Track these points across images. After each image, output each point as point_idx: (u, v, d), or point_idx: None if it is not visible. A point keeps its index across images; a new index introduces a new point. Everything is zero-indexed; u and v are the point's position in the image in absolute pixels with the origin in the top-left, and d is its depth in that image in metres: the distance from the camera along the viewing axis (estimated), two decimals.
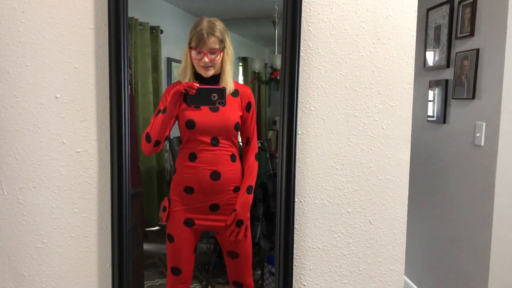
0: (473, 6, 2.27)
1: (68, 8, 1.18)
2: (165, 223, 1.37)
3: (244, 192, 1.34)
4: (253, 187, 1.35)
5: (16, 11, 1.18)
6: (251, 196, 1.34)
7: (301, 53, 1.17)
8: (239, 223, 1.32)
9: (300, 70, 1.17)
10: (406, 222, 1.24)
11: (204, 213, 1.34)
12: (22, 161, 1.23)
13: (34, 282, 1.27)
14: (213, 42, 1.26)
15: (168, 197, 1.36)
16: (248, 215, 1.34)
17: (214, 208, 1.33)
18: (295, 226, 1.21)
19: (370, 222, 1.24)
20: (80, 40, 1.20)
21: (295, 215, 1.20)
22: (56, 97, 1.21)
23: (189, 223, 1.35)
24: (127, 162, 1.19)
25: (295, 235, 1.21)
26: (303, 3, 1.16)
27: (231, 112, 1.31)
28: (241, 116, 1.34)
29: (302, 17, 1.15)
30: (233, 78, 1.33)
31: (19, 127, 1.22)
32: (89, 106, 1.22)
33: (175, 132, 1.35)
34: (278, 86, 1.76)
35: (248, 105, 1.34)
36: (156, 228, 1.59)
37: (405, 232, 1.24)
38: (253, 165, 1.36)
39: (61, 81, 1.21)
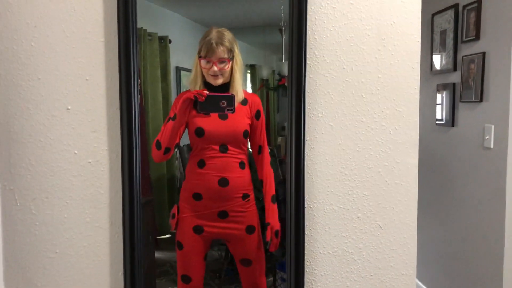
0: (478, 10, 2.27)
1: (79, 22, 1.21)
2: (174, 230, 1.39)
3: (269, 203, 1.36)
4: (275, 195, 1.37)
5: (28, 26, 1.21)
6: (276, 204, 1.36)
7: (307, 61, 1.19)
8: (277, 233, 1.35)
9: (306, 77, 1.19)
10: (416, 226, 1.24)
11: (213, 220, 1.35)
12: (34, 172, 1.25)
13: None
14: (222, 52, 1.28)
15: (178, 204, 1.38)
16: (279, 223, 1.36)
17: (223, 215, 1.34)
18: (306, 232, 1.22)
19: (380, 227, 1.24)
20: (91, 52, 1.22)
21: (305, 221, 1.20)
22: (68, 109, 1.24)
23: (198, 229, 1.35)
24: (137, 171, 1.21)
25: (305, 240, 1.22)
26: (309, 12, 1.17)
27: (240, 120, 1.32)
28: (251, 125, 1.35)
29: (307, 26, 1.16)
30: (242, 86, 1.35)
31: (32, 138, 1.24)
32: (100, 117, 1.24)
33: (185, 139, 1.37)
34: (286, 93, 1.78)
35: (257, 114, 1.36)
36: (168, 236, 1.60)
37: (416, 236, 1.24)
38: (270, 173, 1.38)
39: (73, 93, 1.23)
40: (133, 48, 1.19)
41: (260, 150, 1.38)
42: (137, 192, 1.21)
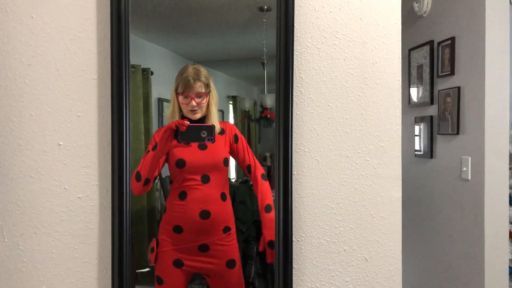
0: (452, 47, 2.40)
1: (73, 61, 1.24)
2: (153, 264, 1.38)
3: (263, 213, 1.36)
4: (271, 205, 1.35)
5: (23, 65, 1.24)
6: (273, 213, 1.33)
7: (294, 99, 1.24)
8: (271, 244, 1.32)
9: (293, 114, 1.24)
10: (401, 259, 1.27)
11: (194, 254, 1.35)
12: (24, 208, 1.25)
13: None
14: (199, 87, 1.34)
15: (157, 238, 1.38)
16: (274, 232, 1.32)
17: (204, 249, 1.34)
18: (294, 265, 1.24)
19: (366, 260, 1.27)
20: (83, 90, 1.25)
21: (293, 255, 1.23)
22: (59, 145, 1.25)
23: (178, 263, 1.35)
24: (128, 207, 1.22)
25: (293, 274, 1.24)
26: (295, 53, 1.23)
27: (219, 149, 1.36)
28: (232, 150, 1.38)
29: (294, 66, 1.22)
30: (218, 119, 1.40)
31: (22, 174, 1.25)
32: (91, 153, 1.26)
33: (167, 171, 1.38)
34: (268, 123, 1.83)
35: (235, 137, 1.40)
36: (147, 269, 1.59)
37: (401, 268, 1.28)
38: (263, 185, 1.38)
39: (64, 129, 1.25)
40: (125, 85, 1.22)
41: (249, 169, 1.41)
42: (126, 227, 1.22)
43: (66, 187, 1.26)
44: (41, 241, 1.26)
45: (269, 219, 1.35)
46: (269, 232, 1.33)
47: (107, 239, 1.26)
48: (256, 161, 1.41)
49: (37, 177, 1.25)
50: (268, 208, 1.36)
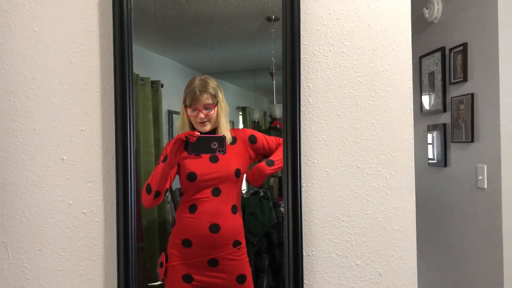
0: (464, 53, 2.35)
1: (76, 74, 1.23)
2: (163, 279, 1.35)
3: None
4: (274, 162, 1.34)
5: (26, 78, 1.23)
6: (268, 167, 1.36)
7: (301, 108, 1.20)
8: (270, 162, 1.35)
9: (301, 124, 1.20)
10: (416, 273, 1.22)
11: (203, 268, 1.32)
12: (28, 224, 1.23)
13: None
14: (206, 99, 1.31)
15: (166, 252, 1.35)
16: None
17: (213, 263, 1.31)
18: (305, 281, 1.19)
19: (380, 274, 1.22)
20: (87, 103, 1.23)
21: (304, 270, 1.18)
22: (63, 159, 1.23)
23: (187, 278, 1.32)
24: (133, 222, 1.19)
25: None
26: (302, 61, 1.20)
27: (230, 160, 1.33)
28: (254, 152, 1.37)
29: (301, 75, 1.19)
30: (229, 129, 1.36)
31: (26, 190, 1.23)
32: (95, 167, 1.23)
33: (177, 183, 1.36)
34: (278, 134, 1.80)
35: (251, 139, 1.37)
36: (159, 283, 1.56)
37: (416, 283, 1.22)
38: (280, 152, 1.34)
39: (68, 144, 1.23)
40: (129, 98, 1.20)
41: (277, 147, 1.37)
42: (132, 243, 1.19)
43: (71, 202, 1.23)
44: (46, 258, 1.23)
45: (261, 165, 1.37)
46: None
47: (112, 256, 1.23)
48: (280, 140, 1.36)
49: (41, 192, 1.23)
50: (269, 162, 1.36)
